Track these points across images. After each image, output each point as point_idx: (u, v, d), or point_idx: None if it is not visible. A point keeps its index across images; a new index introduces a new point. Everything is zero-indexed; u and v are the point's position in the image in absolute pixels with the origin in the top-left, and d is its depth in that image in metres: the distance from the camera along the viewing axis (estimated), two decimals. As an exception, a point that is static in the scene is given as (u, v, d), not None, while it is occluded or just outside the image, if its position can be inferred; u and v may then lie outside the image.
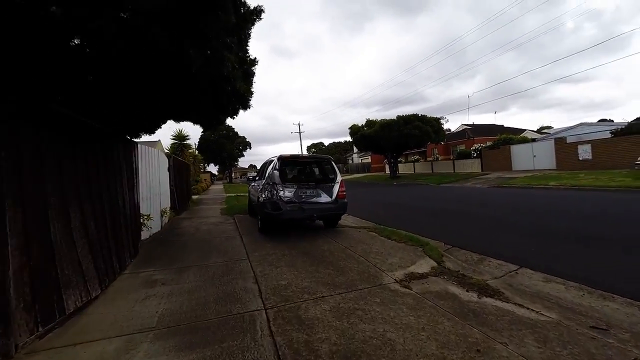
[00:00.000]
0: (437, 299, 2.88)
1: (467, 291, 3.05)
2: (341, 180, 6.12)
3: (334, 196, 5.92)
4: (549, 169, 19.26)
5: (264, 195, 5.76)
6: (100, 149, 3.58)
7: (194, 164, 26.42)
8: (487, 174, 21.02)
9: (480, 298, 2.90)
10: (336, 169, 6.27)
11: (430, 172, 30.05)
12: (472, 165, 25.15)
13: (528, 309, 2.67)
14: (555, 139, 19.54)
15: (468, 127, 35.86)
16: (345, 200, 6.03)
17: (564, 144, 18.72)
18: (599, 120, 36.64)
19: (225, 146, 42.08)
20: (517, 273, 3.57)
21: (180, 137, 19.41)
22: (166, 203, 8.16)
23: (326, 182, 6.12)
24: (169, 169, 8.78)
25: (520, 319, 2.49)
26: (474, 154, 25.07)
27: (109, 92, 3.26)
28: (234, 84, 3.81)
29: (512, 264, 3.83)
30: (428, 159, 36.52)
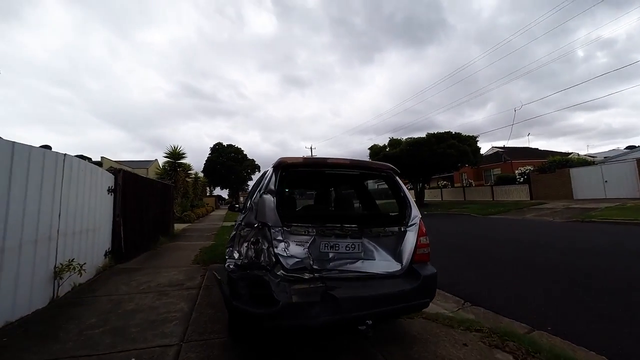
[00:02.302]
0: None
1: None
2: (420, 220, 2.66)
3: (405, 259, 2.44)
4: (630, 198, 15.12)
5: (235, 255, 2.36)
6: None
7: (194, 187, 23.64)
8: (544, 203, 16.98)
9: None
10: (407, 192, 2.81)
11: (463, 199, 26.04)
12: (518, 193, 21.12)
13: None
14: (638, 159, 15.56)
15: (500, 149, 32.08)
16: (432, 269, 2.45)
17: (649, 166, 14.72)
18: (627, 147, 32.61)
19: (234, 168, 39.61)
20: None
21: (174, 155, 16.61)
22: (95, 247, 4.85)
23: (386, 223, 2.67)
24: (111, 191, 5.57)
25: None
26: (519, 178, 21.13)
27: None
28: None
29: None
30: (456, 184, 32.55)
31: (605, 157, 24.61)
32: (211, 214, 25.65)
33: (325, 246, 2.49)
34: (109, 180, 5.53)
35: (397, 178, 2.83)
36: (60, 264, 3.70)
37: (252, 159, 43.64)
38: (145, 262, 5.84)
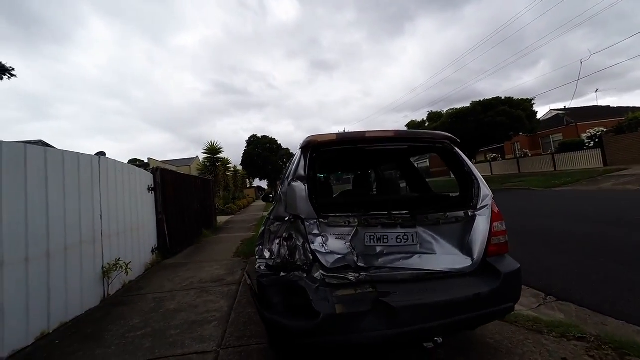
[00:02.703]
0: None
1: None
2: (493, 200, 2.06)
3: (476, 252, 1.90)
4: None
5: (266, 254, 2.02)
6: None
7: (234, 180, 24.55)
8: (623, 169, 14.43)
9: None
10: (473, 167, 2.20)
11: (517, 172, 23.44)
12: (587, 160, 18.29)
13: None
14: None
15: (561, 111, 28.03)
16: (514, 263, 1.88)
17: None
18: None
19: (270, 159, 40.44)
20: None
21: (212, 151, 17.18)
22: (141, 245, 4.99)
23: (446, 207, 2.12)
24: (151, 190, 5.69)
25: None
26: (589, 142, 18.23)
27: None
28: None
29: None
30: (507, 156, 29.44)
31: None
32: (252, 204, 26.54)
33: (371, 239, 2.04)
34: (148, 179, 5.64)
35: (457, 149, 2.23)
36: (108, 264, 3.78)
37: (287, 148, 44.06)
38: (190, 256, 5.96)
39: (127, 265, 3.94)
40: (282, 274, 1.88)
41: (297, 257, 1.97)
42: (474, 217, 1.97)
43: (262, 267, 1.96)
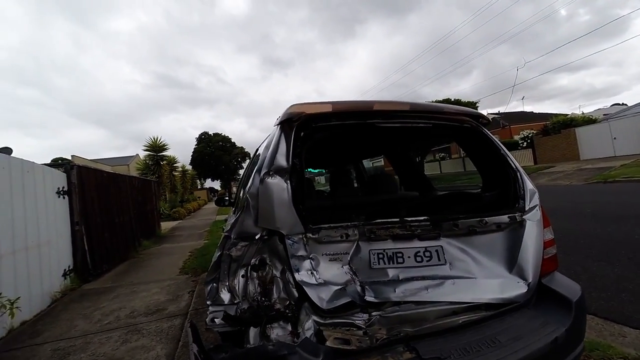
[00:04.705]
0: None
1: None
2: (540, 206, 1.53)
3: (531, 271, 1.37)
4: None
5: (224, 296, 1.25)
6: None
7: (182, 181, 22.24)
8: (552, 167, 16.28)
9: None
10: (513, 160, 1.63)
11: (463, 170, 25.32)
12: (521, 158, 20.37)
13: None
14: (649, 113, 14.79)
15: (496, 115, 31.17)
16: (574, 284, 1.41)
17: (662, 119, 13.95)
18: (613, 105, 33.95)
19: (223, 158, 37.92)
20: None
21: (155, 148, 15.08)
22: (45, 268, 3.69)
23: (480, 209, 1.56)
24: (63, 193, 4.34)
25: None
26: (522, 143, 20.33)
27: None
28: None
29: None
30: (453, 156, 31.80)
31: (604, 115, 23.96)
32: (204, 207, 24.44)
33: (379, 258, 1.41)
34: (58, 180, 4.29)
35: (488, 133, 1.71)
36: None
37: (241, 147, 41.87)
38: (120, 277, 4.72)
39: (12, 303, 2.73)
40: (252, 331, 1.14)
41: (275, 296, 1.26)
42: (522, 223, 1.45)
43: (216, 320, 1.18)
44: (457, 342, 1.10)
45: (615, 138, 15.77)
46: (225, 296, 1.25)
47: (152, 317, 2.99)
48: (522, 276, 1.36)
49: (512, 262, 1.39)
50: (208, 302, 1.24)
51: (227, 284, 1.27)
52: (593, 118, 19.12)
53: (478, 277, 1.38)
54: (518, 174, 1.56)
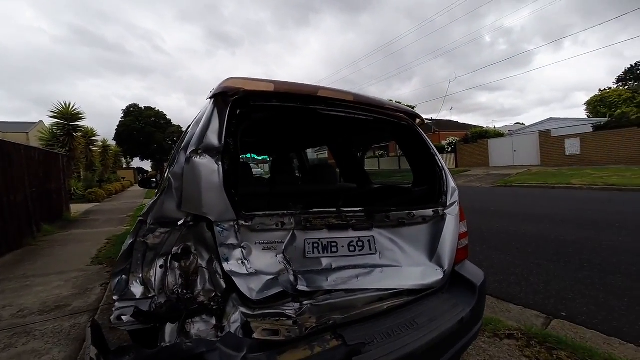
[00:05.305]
0: None
1: None
2: (458, 202, 1.73)
3: (447, 260, 1.53)
4: (533, 165, 17.74)
5: (136, 290, 1.09)
6: None
7: (102, 158, 19.32)
8: (468, 171, 18.86)
9: None
10: (440, 160, 1.79)
11: (398, 168, 27.58)
12: (446, 161, 22.98)
13: None
14: (540, 132, 18.14)
15: (429, 121, 34.61)
16: (479, 271, 1.64)
17: (548, 138, 17.29)
18: (515, 124, 41.93)
19: (155, 136, 33.94)
20: None
21: (66, 115, 12.64)
22: None
23: (411, 202, 1.69)
24: None
25: None
26: (448, 148, 23.01)
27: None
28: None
29: None
30: (391, 154, 34.35)
31: (509, 131, 28.64)
32: (129, 189, 21.73)
33: (314, 248, 1.41)
34: None
35: (421, 131, 1.83)
36: None
37: (178, 125, 38.05)
38: (9, 269, 3.88)
39: None
40: (168, 328, 1.02)
41: (199, 288, 1.16)
42: (443, 217, 1.61)
43: (124, 318, 1.03)
44: (381, 327, 1.17)
45: (515, 150, 19.00)
46: (137, 290, 1.10)
47: (49, 316, 2.53)
48: (439, 264, 1.51)
49: (433, 252, 1.54)
50: (115, 297, 1.07)
51: (141, 275, 1.12)
52: (501, 132, 22.66)
53: (403, 266, 1.49)
54: (443, 172, 1.73)
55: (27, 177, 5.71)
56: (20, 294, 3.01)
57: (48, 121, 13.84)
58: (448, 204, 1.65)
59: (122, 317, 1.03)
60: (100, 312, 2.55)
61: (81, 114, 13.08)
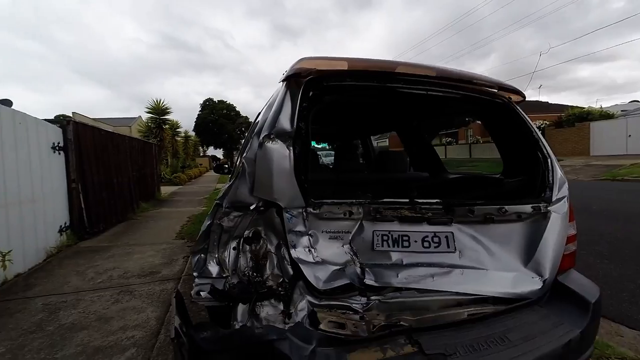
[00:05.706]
0: None
1: None
2: (568, 198, 1.36)
3: (548, 267, 1.25)
4: (654, 154, 14.05)
5: (212, 269, 1.14)
6: None
7: (184, 146, 22.08)
8: (560, 160, 15.83)
9: None
10: (545, 145, 1.43)
11: (469, 157, 24.95)
12: (529, 149, 19.98)
13: None
14: (671, 111, 14.19)
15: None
16: (592, 284, 1.29)
17: (682, 119, 13.39)
18: (631, 102, 32.32)
19: (226, 127, 37.36)
20: None
21: (158, 110, 14.76)
22: (40, 223, 3.65)
23: (502, 196, 1.43)
24: (58, 149, 4.21)
25: None
26: (533, 134, 19.79)
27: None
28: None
29: None
30: (460, 141, 31.21)
31: (622, 111, 23.10)
32: (205, 175, 24.44)
33: (383, 240, 1.29)
34: (53, 135, 4.14)
35: (520, 110, 1.52)
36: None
37: (246, 116, 41.09)
38: (117, 237, 4.72)
39: (3, 256, 2.70)
40: (240, 308, 1.04)
41: (268, 272, 1.16)
42: (546, 215, 1.31)
43: (202, 293, 1.09)
44: (464, 337, 1.01)
45: (630, 135, 15.27)
46: (214, 269, 1.15)
47: (145, 279, 2.98)
48: (537, 271, 1.25)
49: (529, 256, 1.28)
50: (195, 274, 1.15)
51: (217, 255, 1.17)
52: (610, 113, 18.41)
53: (489, 269, 1.27)
54: (549, 160, 1.40)
55: (130, 163, 6.83)
56: (125, 259, 3.62)
57: (145, 116, 16.37)
58: (554, 200, 1.33)
59: (201, 292, 1.09)
60: (182, 282, 2.90)
61: (168, 109, 15.10)
